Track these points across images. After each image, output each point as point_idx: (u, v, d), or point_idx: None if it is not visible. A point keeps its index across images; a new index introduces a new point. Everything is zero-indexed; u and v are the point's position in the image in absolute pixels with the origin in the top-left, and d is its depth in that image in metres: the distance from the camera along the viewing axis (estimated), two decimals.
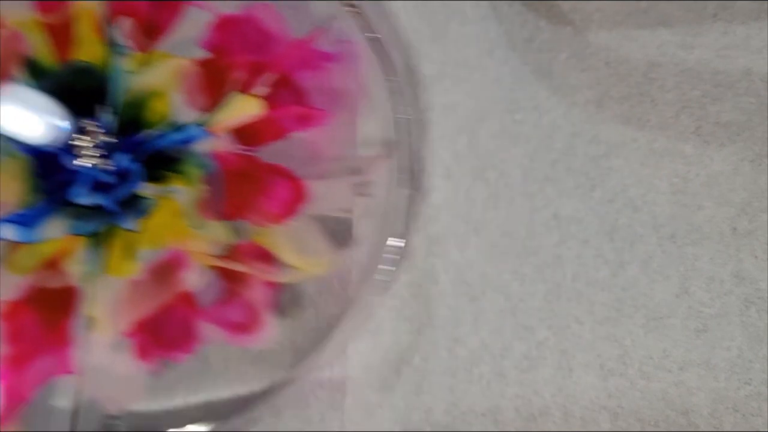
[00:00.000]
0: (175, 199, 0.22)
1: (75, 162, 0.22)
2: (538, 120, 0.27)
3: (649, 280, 0.25)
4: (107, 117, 0.22)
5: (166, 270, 0.22)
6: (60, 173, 0.22)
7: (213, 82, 0.22)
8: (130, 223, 0.22)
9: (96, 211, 0.22)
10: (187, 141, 0.22)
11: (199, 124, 0.22)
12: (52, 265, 0.22)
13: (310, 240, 0.23)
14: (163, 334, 0.22)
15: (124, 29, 0.22)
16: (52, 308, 0.22)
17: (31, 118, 0.22)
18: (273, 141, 0.22)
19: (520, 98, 0.27)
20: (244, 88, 0.22)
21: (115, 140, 0.22)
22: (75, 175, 0.22)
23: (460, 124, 0.28)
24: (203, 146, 0.22)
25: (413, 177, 0.24)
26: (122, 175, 0.22)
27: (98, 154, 0.22)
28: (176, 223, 0.22)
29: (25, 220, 0.21)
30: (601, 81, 0.27)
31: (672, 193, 0.25)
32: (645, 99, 0.26)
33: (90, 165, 0.22)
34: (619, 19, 0.27)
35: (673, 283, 0.25)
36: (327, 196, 0.23)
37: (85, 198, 0.22)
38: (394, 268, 0.24)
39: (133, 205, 0.22)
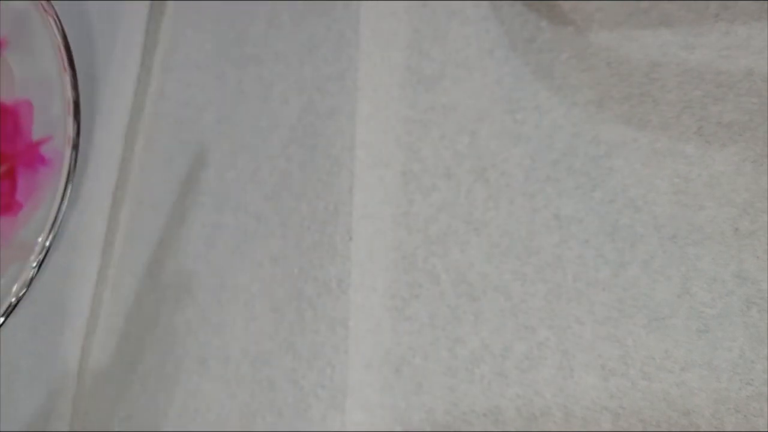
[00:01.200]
0: None
1: None
2: (539, 120, 0.27)
3: (651, 280, 0.25)
4: None
5: None
6: None
7: None
8: None
9: None
10: None
11: None
12: None
13: None
14: None
15: None
16: None
17: None
18: None
19: (520, 98, 0.27)
20: None
21: None
22: None
23: (461, 124, 0.28)
24: None
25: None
26: None
27: None
28: None
29: None
30: (602, 81, 0.27)
31: (673, 194, 0.25)
32: (646, 99, 0.26)
33: None
34: (620, 19, 0.27)
35: (675, 284, 0.24)
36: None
37: None
38: None
39: None
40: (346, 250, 0.29)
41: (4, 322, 0.26)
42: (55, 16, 0.26)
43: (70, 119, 0.26)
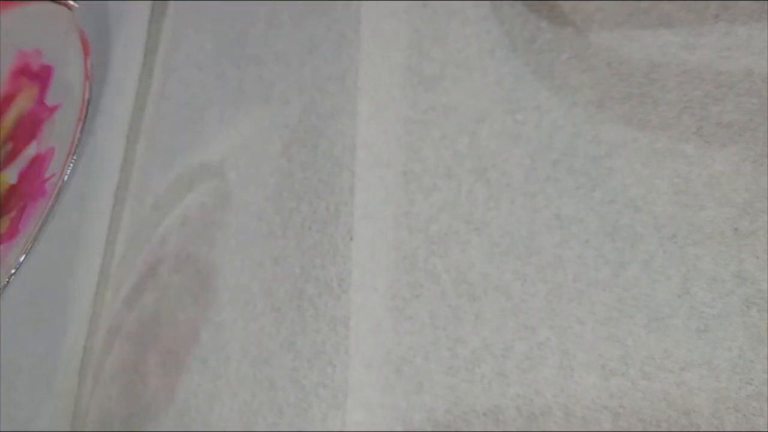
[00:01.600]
0: None
1: None
2: (539, 120, 0.27)
3: (651, 280, 0.25)
4: None
5: None
6: None
7: None
8: None
9: None
10: None
11: None
12: None
13: None
14: None
15: None
16: None
17: None
18: None
19: (521, 98, 0.27)
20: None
21: None
22: None
23: (461, 124, 0.28)
24: None
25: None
26: None
27: None
28: None
29: None
30: (603, 81, 0.27)
31: (673, 194, 0.25)
32: (646, 99, 0.26)
33: None
34: (620, 19, 0.27)
35: (675, 284, 0.25)
36: None
37: None
38: None
39: None
40: (347, 250, 0.29)
41: None
42: (91, 79, 0.30)
43: (70, 157, 0.29)
